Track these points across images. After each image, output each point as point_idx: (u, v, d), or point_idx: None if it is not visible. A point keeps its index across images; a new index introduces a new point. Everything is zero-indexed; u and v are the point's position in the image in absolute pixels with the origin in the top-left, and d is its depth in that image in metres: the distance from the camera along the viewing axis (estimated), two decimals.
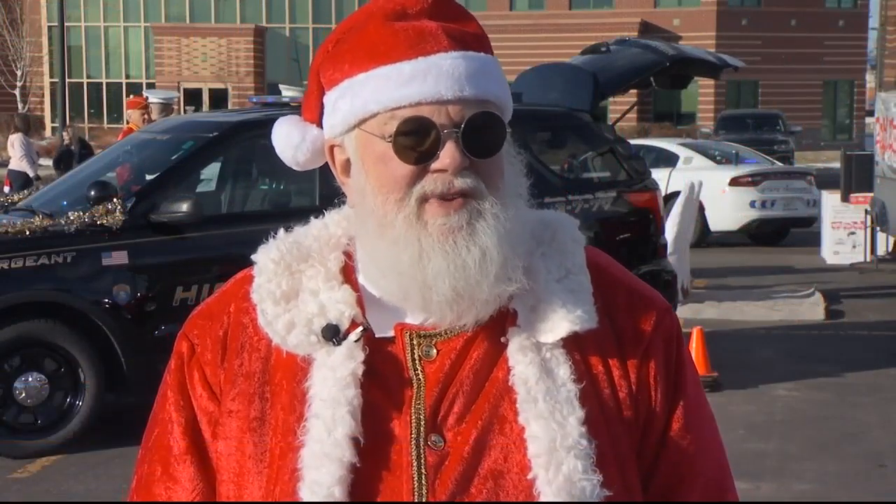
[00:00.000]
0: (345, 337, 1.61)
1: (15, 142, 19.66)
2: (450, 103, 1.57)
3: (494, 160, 1.60)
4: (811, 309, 12.86)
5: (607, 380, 1.65)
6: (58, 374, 7.73)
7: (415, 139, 1.56)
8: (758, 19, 52.37)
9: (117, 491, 6.87)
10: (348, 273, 1.67)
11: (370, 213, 1.60)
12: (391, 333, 1.63)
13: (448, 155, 1.56)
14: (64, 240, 7.77)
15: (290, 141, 1.72)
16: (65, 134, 23.29)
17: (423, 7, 1.62)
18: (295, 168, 1.75)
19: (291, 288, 1.66)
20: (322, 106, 1.67)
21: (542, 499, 1.56)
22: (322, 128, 1.69)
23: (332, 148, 1.67)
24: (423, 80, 1.57)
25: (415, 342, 1.62)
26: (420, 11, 1.62)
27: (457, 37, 1.61)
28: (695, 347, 9.11)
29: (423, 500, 1.57)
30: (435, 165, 1.57)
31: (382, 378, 1.61)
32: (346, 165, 1.66)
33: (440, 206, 1.57)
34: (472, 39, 1.63)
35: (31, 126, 20.78)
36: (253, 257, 1.70)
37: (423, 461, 1.58)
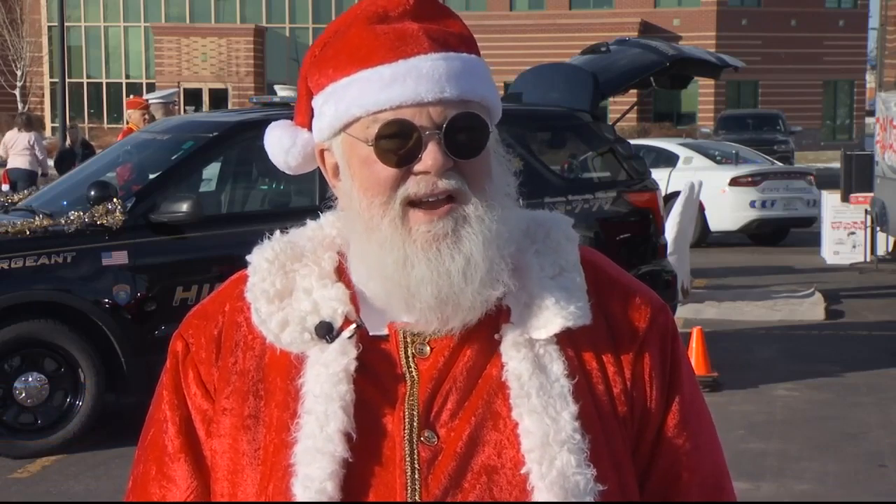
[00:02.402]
0: (338, 334, 1.62)
1: (33, 140, 19.50)
2: (430, 105, 1.57)
3: (479, 160, 1.61)
4: (811, 309, 12.86)
5: (601, 376, 1.66)
6: (58, 374, 7.73)
7: (396, 142, 1.57)
8: (758, 19, 52.35)
9: (117, 491, 6.87)
10: (342, 272, 1.68)
11: (357, 216, 1.62)
12: (385, 332, 1.64)
13: (430, 156, 1.57)
14: (64, 240, 7.78)
15: (281, 145, 1.73)
16: (69, 132, 23.24)
17: (404, 9, 1.63)
18: (287, 172, 1.77)
19: (285, 287, 1.67)
20: (312, 110, 1.69)
21: (535, 493, 1.57)
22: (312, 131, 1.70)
23: (321, 152, 1.68)
24: (403, 82, 1.58)
25: (408, 340, 1.63)
26: (402, 14, 1.63)
27: (438, 38, 1.62)
28: (695, 347, 9.11)
29: (417, 494, 1.57)
30: (418, 167, 1.57)
31: (375, 375, 1.62)
32: (336, 169, 1.67)
33: (425, 213, 1.58)
34: (455, 40, 1.63)
35: (33, 125, 20.60)
36: (248, 258, 1.71)
37: (416, 456, 1.59)
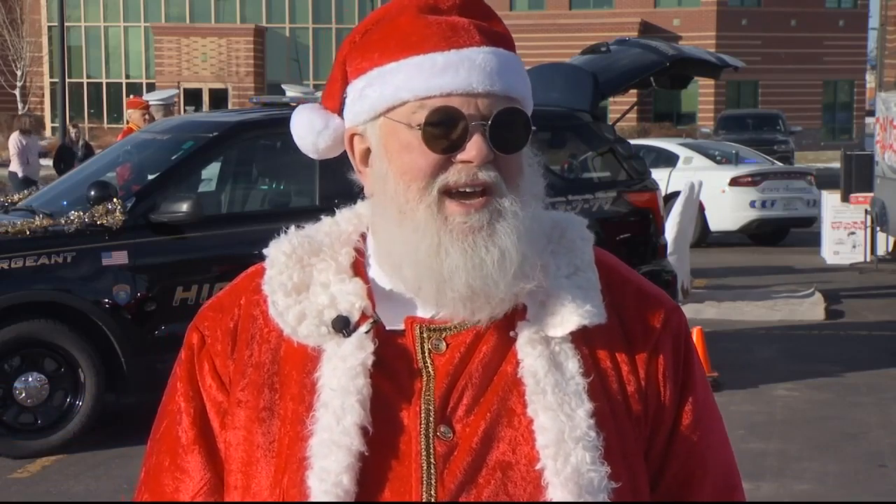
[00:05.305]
0: (355, 329, 1.63)
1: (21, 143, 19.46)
2: (480, 96, 1.60)
3: (516, 158, 1.62)
4: (811, 309, 12.86)
5: (615, 375, 1.67)
6: (58, 374, 7.73)
7: (444, 129, 1.59)
8: (758, 19, 52.36)
9: (117, 491, 6.87)
10: (359, 268, 1.69)
11: (391, 200, 1.62)
12: (401, 326, 1.65)
13: (475, 146, 1.58)
14: (64, 240, 7.77)
15: (312, 127, 1.74)
16: (73, 130, 23.17)
17: (454, 3, 1.66)
18: (312, 156, 1.78)
19: (302, 280, 1.68)
20: (344, 96, 1.70)
21: (550, 489, 1.58)
22: (342, 117, 1.71)
23: (352, 136, 1.69)
24: (456, 71, 1.60)
25: (425, 335, 1.64)
26: (451, 7, 1.66)
27: (487, 34, 1.65)
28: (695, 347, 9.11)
29: (432, 489, 1.58)
30: (461, 156, 1.59)
31: (392, 370, 1.63)
32: (366, 155, 1.68)
33: (460, 205, 1.59)
34: (500, 38, 1.67)
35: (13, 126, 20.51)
36: (265, 251, 1.72)
37: (431, 451, 1.59)
